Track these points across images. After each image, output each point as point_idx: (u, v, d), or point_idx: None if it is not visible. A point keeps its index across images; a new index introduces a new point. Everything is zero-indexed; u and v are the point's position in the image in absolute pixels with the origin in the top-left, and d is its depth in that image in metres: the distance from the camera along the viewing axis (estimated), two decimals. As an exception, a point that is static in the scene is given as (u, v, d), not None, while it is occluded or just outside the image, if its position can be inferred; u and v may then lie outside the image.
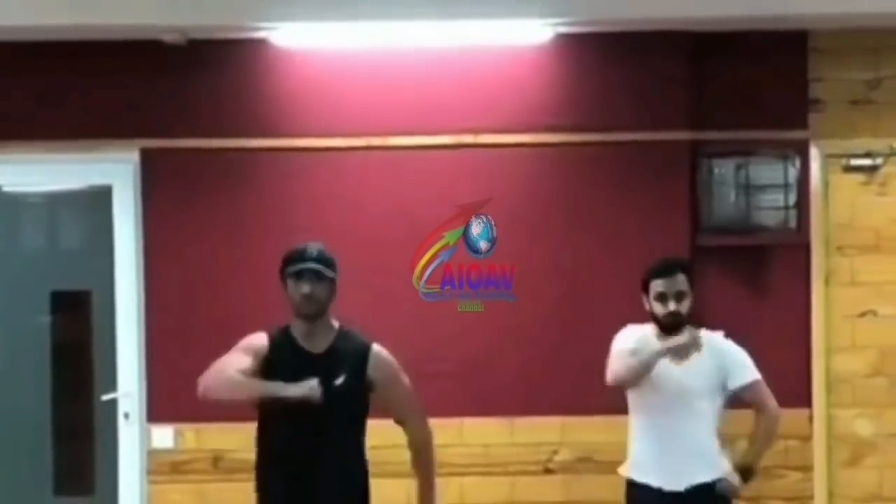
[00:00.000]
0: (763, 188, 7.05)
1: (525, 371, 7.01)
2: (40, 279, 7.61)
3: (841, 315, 7.13)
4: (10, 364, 7.63)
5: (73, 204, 7.69)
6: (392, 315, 6.86)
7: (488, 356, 7.01)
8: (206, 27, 6.64)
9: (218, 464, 7.00)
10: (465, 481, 7.02)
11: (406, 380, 5.56)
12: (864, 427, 7.15)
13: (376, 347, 5.46)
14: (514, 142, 7.04)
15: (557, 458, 7.05)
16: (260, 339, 5.42)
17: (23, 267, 7.71)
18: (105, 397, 7.20)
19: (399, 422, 5.56)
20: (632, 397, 6.00)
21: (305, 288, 5.30)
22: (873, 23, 6.79)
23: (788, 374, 6.98)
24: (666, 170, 7.04)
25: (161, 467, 7.07)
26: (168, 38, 6.75)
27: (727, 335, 6.41)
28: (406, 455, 6.85)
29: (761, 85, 7.05)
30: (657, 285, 5.88)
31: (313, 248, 5.38)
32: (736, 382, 5.93)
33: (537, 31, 6.81)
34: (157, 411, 7.08)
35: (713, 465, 5.91)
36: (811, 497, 7.10)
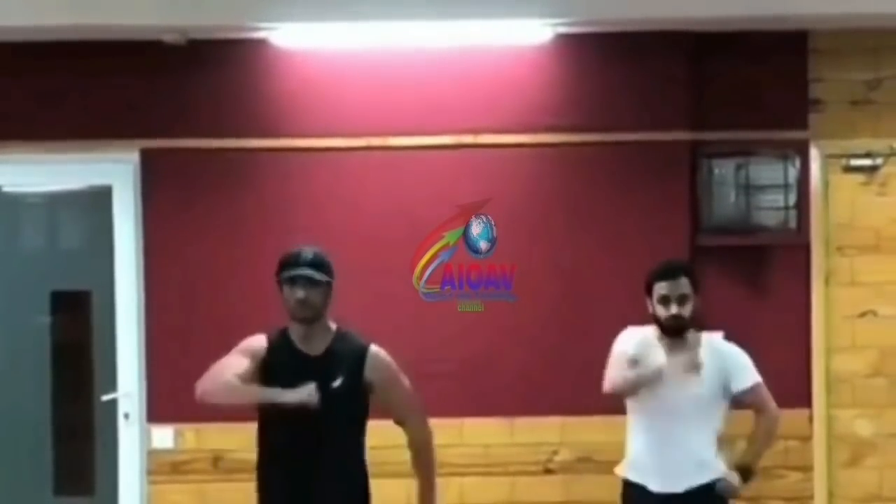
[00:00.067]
0: (763, 188, 7.05)
1: (525, 371, 7.01)
2: (40, 279, 7.61)
3: (841, 315, 7.13)
4: (10, 364, 7.63)
5: (73, 204, 7.69)
6: (392, 315, 6.87)
7: (488, 356, 7.01)
8: (206, 27, 6.63)
9: (218, 464, 7.00)
10: (465, 481, 7.02)
11: (405, 380, 5.55)
12: (864, 427, 7.15)
13: (374, 349, 5.45)
14: (514, 142, 7.04)
15: (557, 458, 7.05)
16: (258, 342, 5.42)
17: (23, 267, 7.71)
18: (105, 397, 7.20)
19: (399, 422, 5.54)
20: (630, 400, 6.00)
21: (300, 293, 5.30)
22: (873, 23, 6.79)
23: (788, 375, 6.99)
24: (666, 170, 7.04)
25: (161, 467, 7.07)
26: (168, 38, 6.75)
27: (727, 336, 6.42)
28: (406, 455, 6.85)
29: (761, 85, 7.04)
30: (660, 288, 5.87)
31: (307, 252, 5.37)
32: (738, 386, 5.92)
33: (537, 32, 6.81)
34: (157, 411, 7.08)
35: (711, 469, 5.91)
36: (811, 497, 7.10)
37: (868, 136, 7.12)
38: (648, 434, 5.90)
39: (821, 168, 7.14)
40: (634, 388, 5.82)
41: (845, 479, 7.14)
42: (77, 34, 6.66)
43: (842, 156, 7.15)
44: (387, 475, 6.60)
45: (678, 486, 5.87)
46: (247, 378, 5.29)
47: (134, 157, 7.09)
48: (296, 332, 5.39)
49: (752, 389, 5.94)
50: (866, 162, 7.14)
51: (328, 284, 5.36)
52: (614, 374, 5.86)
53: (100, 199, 7.19)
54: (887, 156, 7.13)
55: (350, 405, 5.37)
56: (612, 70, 7.02)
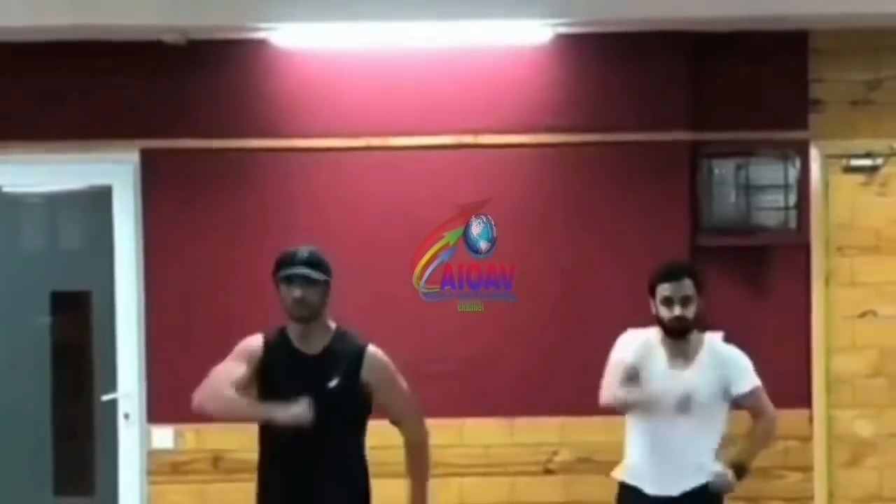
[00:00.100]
0: (763, 188, 7.05)
1: (525, 371, 7.01)
2: (40, 279, 7.61)
3: (841, 315, 7.13)
4: (10, 364, 7.62)
5: (73, 204, 7.69)
6: (392, 315, 6.87)
7: (488, 356, 7.01)
8: (206, 27, 6.63)
9: (218, 464, 7.00)
10: (465, 482, 7.02)
11: (402, 381, 5.53)
12: (864, 427, 7.15)
13: (371, 349, 5.43)
14: (515, 142, 7.04)
15: (557, 458, 7.05)
16: (254, 343, 5.42)
17: (23, 267, 7.70)
18: (105, 398, 7.20)
19: (395, 422, 5.53)
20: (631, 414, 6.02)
21: (296, 292, 5.29)
22: (873, 23, 6.79)
23: (788, 375, 6.99)
24: (666, 170, 7.04)
25: (161, 468, 7.08)
26: (168, 38, 6.75)
27: (727, 336, 6.41)
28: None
29: (761, 85, 7.05)
30: (664, 289, 5.86)
31: (304, 251, 5.35)
32: (737, 389, 5.90)
33: (537, 32, 6.81)
34: (157, 412, 7.08)
35: (708, 471, 5.91)
36: (811, 498, 7.10)
37: (868, 137, 7.12)
38: (647, 438, 5.90)
39: (821, 168, 7.14)
40: (625, 409, 5.84)
41: (845, 479, 7.14)
42: (77, 34, 6.66)
43: (842, 156, 7.15)
44: (387, 475, 6.58)
45: (674, 490, 5.87)
46: (243, 385, 5.30)
47: (134, 157, 7.09)
48: (294, 331, 5.39)
49: (752, 393, 5.92)
50: (866, 162, 7.14)
51: (325, 283, 5.34)
52: (609, 389, 5.85)
53: (100, 199, 7.19)
54: (887, 156, 7.14)
55: (347, 405, 5.36)
56: (613, 70, 7.03)
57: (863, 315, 7.14)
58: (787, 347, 7.05)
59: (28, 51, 6.88)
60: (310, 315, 5.32)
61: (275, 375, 5.32)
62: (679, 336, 5.87)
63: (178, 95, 7.00)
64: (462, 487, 7.02)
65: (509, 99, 7.04)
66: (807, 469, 7.10)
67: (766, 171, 7.05)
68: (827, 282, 7.13)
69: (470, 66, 7.04)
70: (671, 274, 5.87)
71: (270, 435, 5.37)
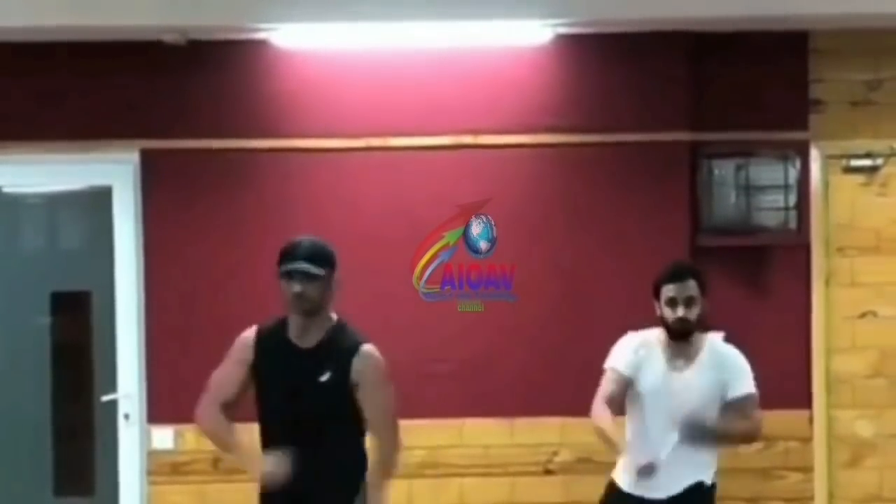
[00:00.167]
0: (763, 189, 7.05)
1: (525, 371, 7.01)
2: (40, 280, 7.60)
3: (841, 316, 7.13)
4: (10, 365, 7.62)
5: (73, 204, 7.69)
6: (392, 315, 6.87)
7: (488, 356, 7.01)
8: (207, 28, 6.64)
9: (218, 465, 6.99)
10: (465, 482, 7.02)
11: (388, 389, 5.37)
12: (864, 428, 7.15)
13: (366, 347, 5.33)
14: (514, 142, 7.04)
15: (557, 458, 7.04)
16: (247, 339, 5.43)
17: (23, 268, 7.69)
18: (105, 398, 7.20)
19: (371, 430, 5.36)
20: (628, 406, 6.01)
21: (296, 287, 5.26)
22: (873, 23, 6.80)
23: (788, 375, 7.00)
24: (666, 170, 7.04)
25: (161, 468, 7.07)
26: (168, 38, 6.75)
27: (727, 336, 6.40)
28: (405, 456, 6.85)
29: (761, 86, 7.04)
30: (668, 290, 5.87)
31: (305, 245, 5.31)
32: (733, 393, 5.88)
33: (537, 32, 6.82)
34: (157, 412, 7.08)
35: (699, 473, 5.94)
36: (811, 498, 7.10)
37: (868, 137, 7.13)
38: (644, 440, 5.92)
39: (821, 169, 7.14)
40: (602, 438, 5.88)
41: (845, 479, 7.14)
42: (77, 34, 6.67)
43: (842, 156, 7.15)
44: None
45: (667, 492, 5.88)
46: (242, 388, 5.38)
47: (134, 157, 7.09)
48: (294, 323, 5.36)
49: (745, 398, 5.89)
50: (866, 162, 7.14)
51: (327, 277, 5.31)
52: (597, 407, 5.88)
53: (100, 199, 7.19)
54: (887, 156, 7.14)
55: (339, 400, 5.28)
56: (613, 71, 7.03)
57: (863, 315, 7.14)
58: (787, 348, 7.05)
59: (28, 51, 6.88)
60: (310, 309, 5.29)
61: (267, 367, 5.34)
62: (681, 338, 5.88)
63: (178, 95, 7.00)
64: (462, 488, 7.02)
65: (509, 99, 7.04)
66: (807, 469, 7.09)
67: (767, 172, 7.05)
68: (827, 282, 7.13)
69: (470, 67, 7.04)
70: (676, 275, 5.89)
71: (268, 435, 5.36)
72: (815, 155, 7.12)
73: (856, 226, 7.15)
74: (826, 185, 7.15)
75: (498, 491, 7.03)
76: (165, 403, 7.02)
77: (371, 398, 5.31)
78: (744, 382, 5.90)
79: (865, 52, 7.08)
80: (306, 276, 5.25)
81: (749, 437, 6.05)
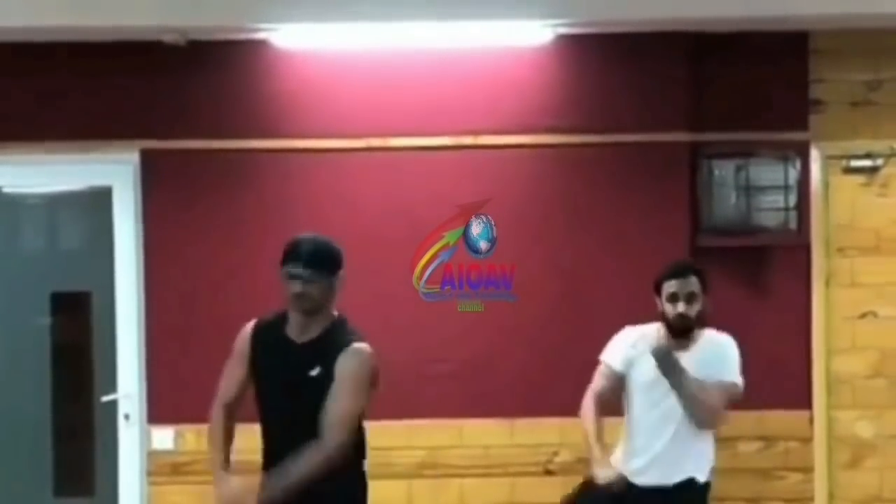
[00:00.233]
0: (763, 189, 7.05)
1: (525, 372, 7.01)
2: (40, 280, 7.60)
3: (841, 316, 7.13)
4: (10, 365, 7.62)
5: (73, 205, 7.68)
6: (392, 315, 6.87)
7: (488, 357, 7.00)
8: (206, 28, 6.63)
9: (218, 465, 6.99)
10: (465, 482, 7.02)
11: (359, 392, 5.25)
12: (864, 428, 7.14)
13: (356, 346, 5.28)
14: (515, 143, 7.04)
15: (558, 459, 7.04)
16: (244, 333, 5.46)
17: (23, 268, 7.69)
18: (105, 398, 7.20)
19: (322, 424, 5.21)
20: (625, 399, 6.07)
21: (297, 288, 5.27)
22: (873, 24, 6.79)
23: (789, 376, 7.01)
24: (666, 171, 7.04)
25: (161, 468, 7.07)
26: (168, 38, 6.75)
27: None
28: (405, 457, 6.87)
29: (761, 86, 7.04)
30: (669, 286, 5.94)
31: (308, 247, 5.31)
32: (718, 377, 5.91)
33: (537, 33, 6.81)
34: (157, 412, 7.08)
35: (698, 471, 5.96)
36: (811, 499, 7.10)
37: (868, 138, 7.12)
38: (640, 432, 5.95)
39: (821, 169, 7.14)
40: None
41: (846, 480, 7.14)
42: (77, 34, 6.66)
43: (842, 157, 7.15)
44: (387, 476, 6.62)
45: (653, 482, 5.92)
46: (241, 390, 5.43)
47: (134, 157, 7.09)
48: (294, 320, 5.36)
49: (720, 385, 5.90)
50: (866, 163, 7.14)
51: (329, 278, 5.30)
52: (587, 406, 6.00)
53: (100, 199, 7.19)
54: (888, 157, 7.14)
55: (326, 397, 5.28)
56: (613, 71, 7.02)
57: (863, 316, 7.14)
58: (787, 348, 7.05)
59: (28, 51, 6.87)
60: (311, 308, 5.30)
61: (263, 361, 5.36)
62: (682, 334, 5.94)
63: (178, 95, 7.00)
64: (462, 488, 7.01)
65: (509, 100, 7.04)
66: (807, 470, 7.09)
67: (767, 172, 7.05)
68: (827, 282, 7.12)
69: (470, 67, 7.03)
70: (678, 271, 5.97)
71: (265, 426, 5.38)
72: (815, 155, 7.12)
73: (856, 226, 7.15)
74: (826, 185, 7.15)
75: (498, 491, 7.03)
76: (165, 403, 7.03)
77: (336, 393, 5.22)
78: (727, 370, 5.93)
79: (865, 52, 7.08)
80: (308, 279, 5.25)
81: (699, 404, 5.87)
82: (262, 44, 6.85)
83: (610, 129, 7.02)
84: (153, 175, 7.07)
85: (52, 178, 7.32)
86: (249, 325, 5.49)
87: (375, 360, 5.33)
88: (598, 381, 6.07)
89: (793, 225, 7.07)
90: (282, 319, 5.40)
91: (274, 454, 5.32)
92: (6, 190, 7.48)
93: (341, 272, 5.34)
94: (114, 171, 7.14)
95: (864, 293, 7.13)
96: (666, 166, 7.03)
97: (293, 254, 5.31)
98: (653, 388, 5.92)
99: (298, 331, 5.35)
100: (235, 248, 7.00)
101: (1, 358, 7.60)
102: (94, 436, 7.49)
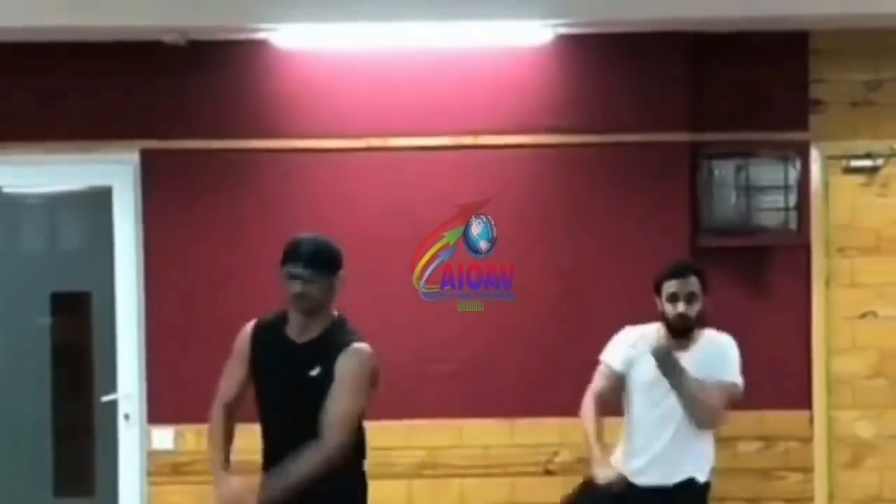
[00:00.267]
0: (763, 189, 7.05)
1: (525, 372, 7.01)
2: (40, 280, 7.60)
3: (841, 316, 7.13)
4: (10, 365, 7.61)
5: (73, 205, 7.68)
6: (392, 315, 6.87)
7: (488, 357, 7.00)
8: (206, 28, 6.63)
9: (218, 465, 6.99)
10: (465, 482, 7.02)
11: (359, 392, 5.25)
12: (864, 428, 7.14)
13: (356, 346, 5.28)
14: (515, 143, 7.04)
15: (558, 459, 7.04)
16: (244, 333, 5.47)
17: (23, 268, 7.69)
18: (105, 398, 7.20)
19: (322, 424, 5.21)
20: (625, 398, 6.07)
21: (297, 288, 5.28)
22: (874, 24, 6.79)
23: (789, 376, 7.01)
24: (666, 171, 7.04)
25: (161, 468, 7.07)
26: (168, 38, 6.75)
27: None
28: (405, 457, 6.87)
29: (761, 86, 7.04)
30: (670, 286, 5.95)
31: (308, 248, 5.31)
32: (717, 377, 5.91)
33: (537, 33, 6.81)
34: (157, 412, 7.08)
35: (698, 471, 5.97)
36: (811, 499, 7.10)
37: (868, 138, 7.12)
38: (640, 432, 5.95)
39: (821, 169, 7.14)
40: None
41: (846, 480, 7.14)
42: (77, 34, 6.66)
43: (842, 157, 7.15)
44: (387, 476, 6.62)
45: (653, 482, 5.92)
46: (241, 390, 5.43)
47: (134, 157, 7.09)
48: (293, 320, 5.37)
49: (720, 385, 5.91)
50: (867, 163, 7.14)
51: (329, 278, 5.30)
52: (587, 406, 6.01)
53: (100, 199, 7.19)
54: (888, 157, 7.14)
55: (326, 397, 5.28)
56: (613, 71, 7.02)
57: (863, 316, 7.14)
58: (787, 348, 7.05)
59: (28, 51, 6.87)
60: (311, 309, 5.30)
61: (263, 361, 5.36)
62: (682, 334, 5.95)
63: (178, 95, 7.00)
64: (462, 488, 7.01)
65: (509, 100, 7.04)
66: (807, 470, 7.09)
67: (767, 172, 7.05)
68: (827, 282, 7.13)
69: (470, 67, 7.03)
70: (678, 271, 5.99)
71: (265, 426, 5.38)
72: (815, 155, 7.12)
73: (856, 226, 7.15)
74: (826, 185, 7.15)
75: (498, 491, 7.03)
76: (165, 404, 7.03)
77: (336, 393, 5.22)
78: (726, 370, 5.93)
79: (865, 53, 7.08)
80: (308, 279, 5.26)
81: (699, 404, 5.87)
82: (262, 44, 6.85)
83: (610, 129, 7.02)
84: (153, 175, 7.07)
85: (52, 178, 7.32)
86: (249, 325, 5.49)
87: (375, 360, 5.33)
88: (598, 381, 6.08)
89: (793, 225, 7.07)
90: (282, 319, 5.40)
91: (274, 454, 5.31)
92: (6, 190, 7.48)
93: (341, 272, 5.34)
94: (114, 171, 7.14)
95: (864, 293, 7.13)
96: (666, 166, 7.03)
97: (293, 254, 5.31)
98: (653, 388, 5.93)
99: (298, 331, 5.35)
100: (235, 248, 7.00)
101: (1, 358, 7.60)
102: (94, 436, 7.49)
